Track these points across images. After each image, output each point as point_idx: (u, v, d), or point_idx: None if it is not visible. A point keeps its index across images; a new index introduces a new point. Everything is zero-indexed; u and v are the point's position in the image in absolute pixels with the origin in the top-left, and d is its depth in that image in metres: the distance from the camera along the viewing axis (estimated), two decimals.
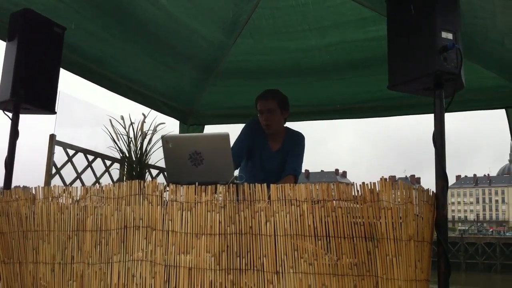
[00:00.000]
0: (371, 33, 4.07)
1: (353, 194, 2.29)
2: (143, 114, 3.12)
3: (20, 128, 3.20)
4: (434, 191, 2.36)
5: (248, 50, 4.58)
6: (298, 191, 2.35)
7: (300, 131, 3.99)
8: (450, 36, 2.38)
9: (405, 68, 2.49)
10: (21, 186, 2.96)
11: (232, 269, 2.39)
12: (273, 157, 3.84)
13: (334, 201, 2.31)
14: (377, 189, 2.24)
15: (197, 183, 2.52)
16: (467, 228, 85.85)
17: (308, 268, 2.29)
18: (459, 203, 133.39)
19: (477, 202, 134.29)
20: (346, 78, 4.72)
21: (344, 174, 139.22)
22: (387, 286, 2.19)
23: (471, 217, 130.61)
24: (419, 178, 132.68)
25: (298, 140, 3.92)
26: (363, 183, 2.27)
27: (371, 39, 4.12)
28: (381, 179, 2.25)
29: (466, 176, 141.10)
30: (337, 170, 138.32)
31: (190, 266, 2.43)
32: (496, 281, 45.24)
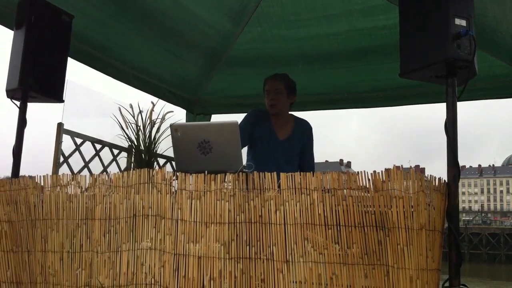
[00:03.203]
0: (380, 21, 4.04)
1: (364, 183, 2.27)
2: (152, 103, 3.11)
3: (27, 117, 3.19)
4: (445, 180, 2.34)
5: (256, 38, 4.55)
6: (308, 180, 2.33)
7: (306, 119, 3.98)
8: (463, 22, 2.35)
9: (417, 55, 2.46)
10: (27, 175, 2.95)
11: (241, 258, 2.38)
12: (280, 146, 3.81)
13: (344, 190, 2.29)
14: (389, 178, 2.22)
15: (206, 172, 2.50)
16: (471, 218, 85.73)
17: (318, 257, 2.28)
18: (463, 193, 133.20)
19: (482, 192, 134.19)
20: (354, 66, 4.68)
21: (348, 164, 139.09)
22: (398, 276, 2.17)
23: (476, 207, 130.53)
24: (423, 169, 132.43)
25: (310, 133, 3.95)
26: (374, 171, 2.25)
27: (380, 28, 4.09)
28: (392, 167, 2.23)
29: (471, 167, 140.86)
30: (341, 160, 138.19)
31: (200, 255, 2.42)
32: (500, 272, 45.29)
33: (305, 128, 3.92)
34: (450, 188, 2.32)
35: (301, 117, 3.98)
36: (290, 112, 3.93)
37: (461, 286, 2.28)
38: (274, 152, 3.80)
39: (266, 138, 3.83)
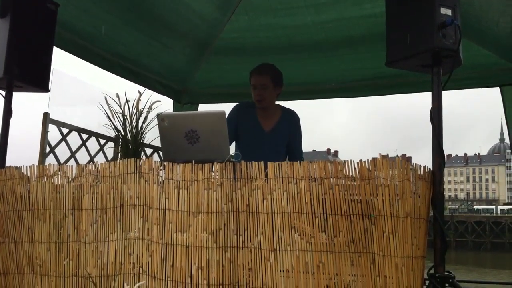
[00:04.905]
0: (368, 10, 4.04)
1: (350, 171, 2.28)
2: (139, 92, 3.09)
3: (12, 107, 3.17)
4: (430, 169, 2.36)
5: (243, 27, 4.53)
6: (295, 169, 2.34)
7: (293, 110, 3.97)
8: (449, 12, 2.36)
9: (404, 45, 2.47)
10: (13, 166, 2.93)
11: (229, 247, 2.39)
12: (266, 137, 3.81)
13: (331, 179, 2.30)
14: (375, 167, 2.24)
15: (193, 161, 2.50)
16: (457, 206, 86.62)
17: (305, 246, 2.30)
18: (449, 182, 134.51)
19: (468, 181, 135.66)
20: (342, 55, 4.68)
21: (336, 153, 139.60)
22: (383, 263, 2.20)
23: (462, 196, 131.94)
24: (410, 158, 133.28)
25: (297, 123, 3.93)
26: (361, 160, 2.27)
27: (367, 16, 4.09)
28: (378, 156, 2.25)
29: (456, 155, 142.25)
30: (328, 149, 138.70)
31: (187, 244, 2.43)
32: (486, 259, 45.94)
33: (292, 119, 3.91)
34: (435, 176, 2.34)
35: (289, 108, 3.97)
36: (277, 102, 3.93)
37: (445, 273, 2.32)
38: (260, 143, 3.80)
39: (252, 130, 3.83)
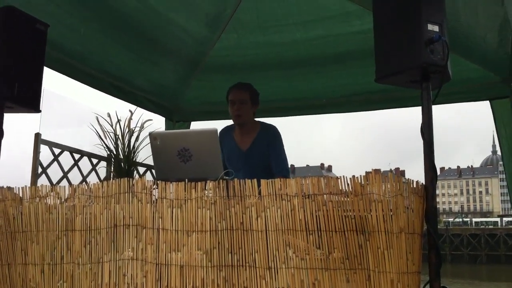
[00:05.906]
0: (356, 26, 4.08)
1: (343, 187, 2.29)
2: (130, 111, 3.10)
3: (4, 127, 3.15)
4: (423, 183, 2.37)
5: (233, 45, 4.57)
6: (288, 185, 2.35)
7: (273, 125, 3.86)
8: (436, 28, 2.38)
9: (392, 61, 2.49)
10: (5, 186, 2.91)
11: (224, 266, 2.38)
12: (244, 157, 3.78)
13: (324, 195, 2.31)
14: (367, 182, 2.25)
15: (186, 180, 2.50)
16: (452, 219, 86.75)
17: (300, 263, 2.29)
18: (443, 195, 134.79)
19: (461, 193, 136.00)
20: (331, 72, 4.73)
21: (329, 168, 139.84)
22: (379, 279, 2.19)
23: (456, 208, 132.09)
24: (403, 171, 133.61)
25: (274, 137, 3.79)
26: (353, 176, 2.28)
27: (355, 33, 4.14)
28: (371, 171, 2.26)
29: (450, 168, 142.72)
30: (322, 164, 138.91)
31: (182, 263, 2.42)
32: (482, 272, 45.84)
33: (269, 134, 3.80)
34: (427, 191, 2.35)
35: (269, 123, 3.89)
36: (262, 119, 3.91)
37: None
38: (239, 163, 3.76)
39: (231, 151, 3.83)
